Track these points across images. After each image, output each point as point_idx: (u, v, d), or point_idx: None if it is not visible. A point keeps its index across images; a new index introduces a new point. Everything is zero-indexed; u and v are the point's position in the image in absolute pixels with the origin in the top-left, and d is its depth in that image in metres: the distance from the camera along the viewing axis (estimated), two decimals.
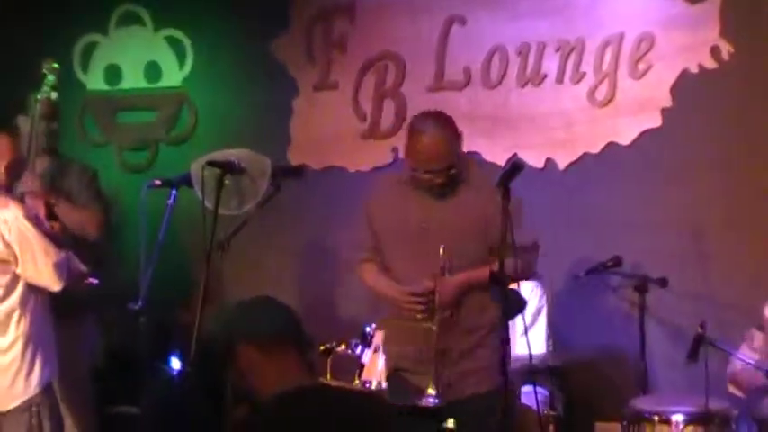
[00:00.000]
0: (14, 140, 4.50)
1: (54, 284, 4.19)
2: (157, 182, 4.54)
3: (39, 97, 4.75)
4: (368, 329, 4.80)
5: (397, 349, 4.20)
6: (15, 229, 4.14)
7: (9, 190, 4.37)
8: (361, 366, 4.72)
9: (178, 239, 5.18)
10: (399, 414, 3.71)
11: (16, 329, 4.15)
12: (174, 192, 4.41)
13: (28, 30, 6.18)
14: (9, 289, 4.17)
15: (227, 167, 4.28)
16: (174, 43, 6.24)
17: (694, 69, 5.27)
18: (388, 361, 4.29)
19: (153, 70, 6.28)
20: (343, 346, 4.76)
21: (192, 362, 4.16)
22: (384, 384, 4.59)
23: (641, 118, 5.36)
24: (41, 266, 4.15)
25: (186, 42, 6.22)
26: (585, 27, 5.47)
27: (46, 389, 4.19)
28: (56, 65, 4.81)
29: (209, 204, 4.27)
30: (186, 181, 4.44)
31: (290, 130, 6.01)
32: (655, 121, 5.35)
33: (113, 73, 6.34)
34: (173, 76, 6.26)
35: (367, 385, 4.63)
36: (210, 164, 4.29)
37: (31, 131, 4.65)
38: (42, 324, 4.25)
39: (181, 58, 6.23)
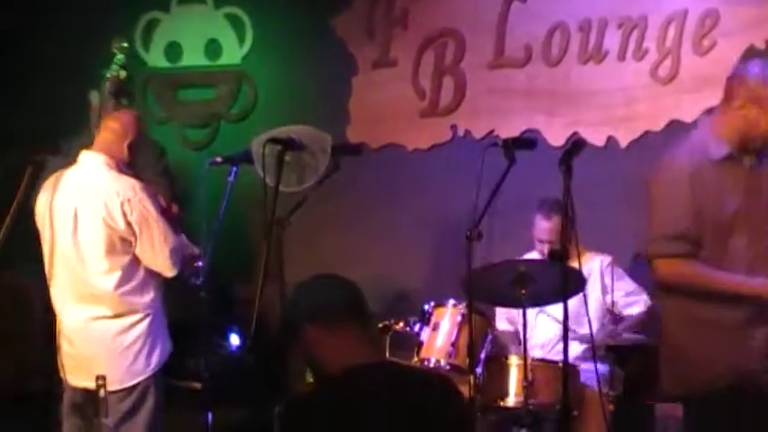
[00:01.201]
0: (138, 118, 4.51)
1: (168, 270, 4.26)
2: (218, 159, 4.57)
3: (107, 75, 4.81)
4: (426, 307, 4.80)
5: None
6: (137, 211, 4.19)
7: (132, 167, 4.37)
8: (420, 344, 4.73)
9: (238, 216, 5.21)
10: None
11: (137, 310, 4.23)
12: (234, 168, 4.44)
13: (92, 6, 6.24)
14: (131, 270, 4.24)
15: (287, 144, 4.29)
16: (234, 20, 6.26)
17: (760, 45, 5.18)
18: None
19: (213, 47, 6.31)
20: (401, 324, 4.77)
21: (253, 337, 4.18)
22: (443, 363, 4.61)
23: (705, 95, 5.26)
24: (158, 251, 4.21)
25: (246, 20, 6.24)
26: (648, 3, 5.40)
27: (160, 370, 4.32)
28: (125, 44, 4.87)
29: (269, 181, 4.29)
30: (247, 158, 4.47)
31: (348, 107, 6.01)
32: (718, 98, 5.24)
33: (174, 50, 6.38)
34: (232, 53, 6.28)
35: (426, 363, 4.64)
36: (272, 141, 4.31)
37: (100, 108, 4.71)
38: (160, 304, 4.31)
39: (240, 36, 6.26)
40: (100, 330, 4.22)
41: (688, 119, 5.32)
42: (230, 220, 4.61)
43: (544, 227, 4.92)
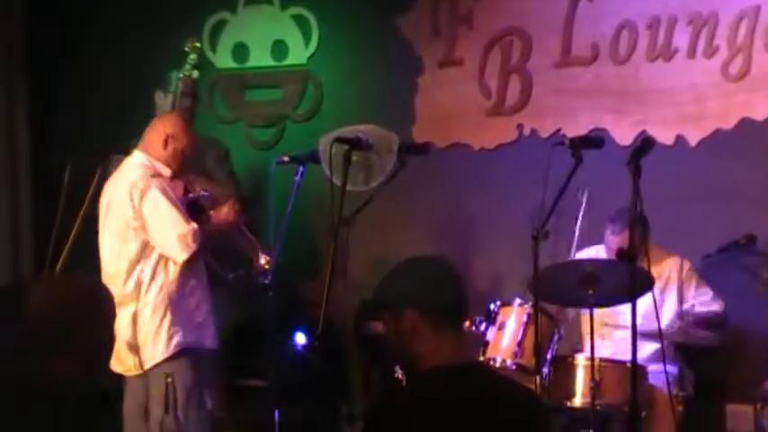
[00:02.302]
0: (186, 122, 4.64)
1: (177, 255, 4.33)
2: (285, 158, 4.60)
3: (180, 75, 4.87)
4: (492, 307, 4.78)
5: None
6: (148, 200, 4.30)
7: (171, 166, 4.50)
8: (486, 344, 4.71)
9: (305, 215, 5.24)
10: None
11: (146, 295, 4.32)
12: (301, 168, 4.46)
13: (160, 8, 6.31)
14: (142, 257, 4.34)
15: (354, 143, 4.30)
16: (300, 21, 6.29)
17: None
18: None
19: (279, 48, 6.35)
20: (467, 323, 4.75)
21: (319, 336, 4.20)
22: (509, 363, 4.59)
23: None
24: (166, 236, 4.29)
25: (312, 20, 6.26)
26: (718, 0, 5.32)
27: (184, 354, 4.34)
28: (198, 44, 4.92)
29: (336, 180, 4.30)
30: (314, 157, 4.48)
31: (414, 106, 6.01)
32: None
33: (241, 51, 6.43)
34: (298, 53, 6.31)
35: (492, 363, 4.62)
36: (338, 140, 4.32)
37: (173, 108, 4.77)
38: (177, 292, 4.37)
39: (306, 36, 6.28)
40: (121, 316, 4.29)
41: (760, 117, 5.25)
42: (297, 220, 4.64)
43: (614, 240, 4.84)
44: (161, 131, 4.49)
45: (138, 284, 4.34)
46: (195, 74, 4.89)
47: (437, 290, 2.71)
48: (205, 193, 4.72)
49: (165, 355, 4.33)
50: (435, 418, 2.60)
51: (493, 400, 2.66)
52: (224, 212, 4.64)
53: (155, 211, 4.31)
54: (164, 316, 4.34)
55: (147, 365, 4.32)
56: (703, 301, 4.95)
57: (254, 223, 5.64)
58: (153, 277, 4.35)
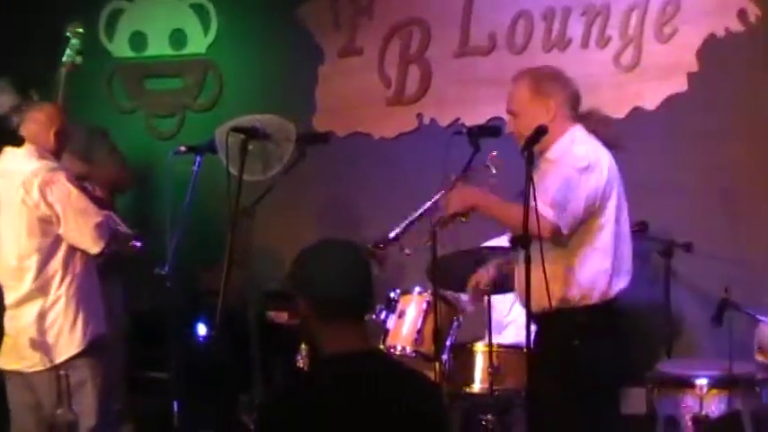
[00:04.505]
0: (62, 108, 4.53)
1: (94, 246, 4.26)
2: (183, 148, 4.57)
3: (63, 61, 4.78)
4: (392, 295, 4.83)
5: None
6: (58, 191, 4.20)
7: (58, 156, 4.40)
8: (386, 332, 4.75)
9: (205, 205, 5.21)
10: None
11: (57, 290, 4.23)
12: (198, 158, 4.43)
13: None
14: (51, 251, 4.24)
15: (251, 133, 4.29)
16: (198, 10, 6.25)
17: (721, 33, 5.23)
18: None
19: (178, 37, 6.30)
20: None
21: (219, 327, 4.19)
22: (409, 350, 4.63)
23: (667, 82, 5.33)
24: (82, 227, 4.22)
25: (211, 9, 6.23)
26: None
27: (91, 348, 4.28)
28: (80, 29, 4.83)
29: (233, 170, 4.29)
30: (211, 147, 4.46)
31: (315, 96, 6.02)
32: (681, 86, 5.32)
33: (139, 40, 6.36)
34: (198, 42, 6.27)
35: (392, 350, 4.66)
36: (235, 130, 4.31)
37: (57, 95, 4.68)
38: (86, 284, 4.32)
39: (205, 25, 6.24)
40: (24, 313, 4.24)
41: (650, 106, 5.37)
42: (197, 210, 4.61)
43: None
44: (43, 121, 4.37)
45: (48, 279, 4.24)
46: (78, 59, 4.79)
47: (333, 282, 2.69)
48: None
49: (81, 347, 4.26)
50: (330, 405, 2.61)
51: (390, 388, 2.68)
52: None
53: (68, 202, 4.22)
54: (77, 309, 4.26)
55: (60, 359, 4.23)
56: None
57: (152, 213, 5.62)
58: (64, 271, 4.27)
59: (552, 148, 3.84)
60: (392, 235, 4.12)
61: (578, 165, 3.76)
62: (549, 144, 3.84)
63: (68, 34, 4.81)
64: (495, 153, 3.98)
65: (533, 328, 3.77)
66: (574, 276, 3.78)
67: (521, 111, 3.89)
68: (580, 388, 3.73)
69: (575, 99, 3.93)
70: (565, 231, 3.72)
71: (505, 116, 5.46)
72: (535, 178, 3.57)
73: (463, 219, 3.97)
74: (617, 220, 3.83)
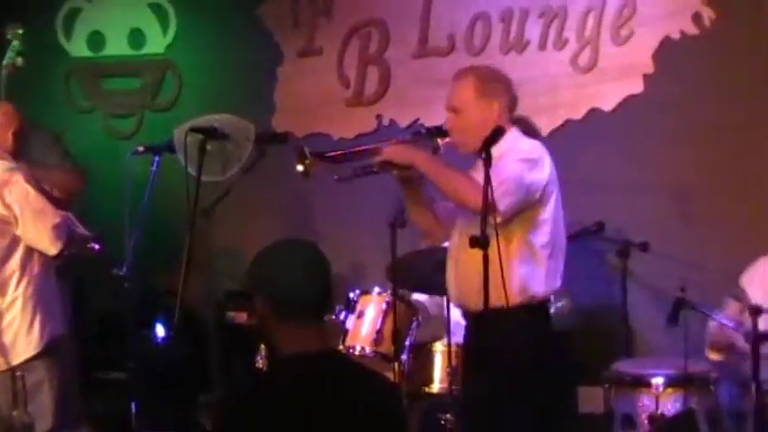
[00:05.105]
0: (19, 109, 4.49)
1: (51, 247, 4.22)
2: (141, 148, 4.54)
3: (4, 63, 4.75)
4: (352, 296, 4.84)
5: None
6: (16, 191, 4.17)
7: (16, 157, 4.37)
8: (345, 332, 4.76)
9: (164, 206, 5.17)
10: None
11: (15, 291, 4.20)
12: (157, 158, 4.41)
13: None
14: (9, 251, 4.21)
15: (209, 133, 4.28)
16: (157, 9, 6.22)
17: (676, 35, 5.29)
18: None
19: (136, 37, 6.27)
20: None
21: (177, 328, 4.18)
22: (368, 351, 4.64)
23: (623, 84, 5.38)
24: (40, 228, 4.19)
25: (169, 9, 6.20)
26: None
27: (48, 351, 4.25)
28: (21, 30, 4.80)
29: (191, 170, 4.28)
30: (170, 147, 4.45)
31: (274, 96, 6.01)
32: (637, 87, 5.37)
33: (97, 40, 6.32)
34: (156, 42, 6.25)
35: (351, 351, 4.67)
36: (193, 130, 4.29)
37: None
38: (44, 286, 4.28)
39: (164, 25, 6.22)
40: None
41: (607, 107, 5.42)
42: (156, 211, 4.59)
43: None
44: (1, 122, 4.35)
45: (5, 280, 4.20)
46: (19, 61, 4.77)
47: (290, 282, 2.67)
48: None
49: (38, 349, 4.23)
50: (288, 406, 2.60)
51: (348, 389, 2.67)
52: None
53: (26, 202, 4.19)
54: (34, 310, 4.23)
55: (17, 360, 4.19)
56: None
57: (110, 214, 5.57)
58: (21, 272, 4.23)
59: (495, 147, 3.84)
60: (329, 154, 4.03)
61: (525, 156, 3.76)
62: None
63: (9, 36, 4.78)
64: (448, 139, 3.94)
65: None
66: (515, 275, 3.73)
67: (464, 109, 3.85)
68: (524, 386, 3.74)
69: (514, 102, 3.93)
70: (501, 209, 3.62)
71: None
72: (476, 174, 3.58)
73: (396, 173, 3.85)
74: (555, 221, 3.81)
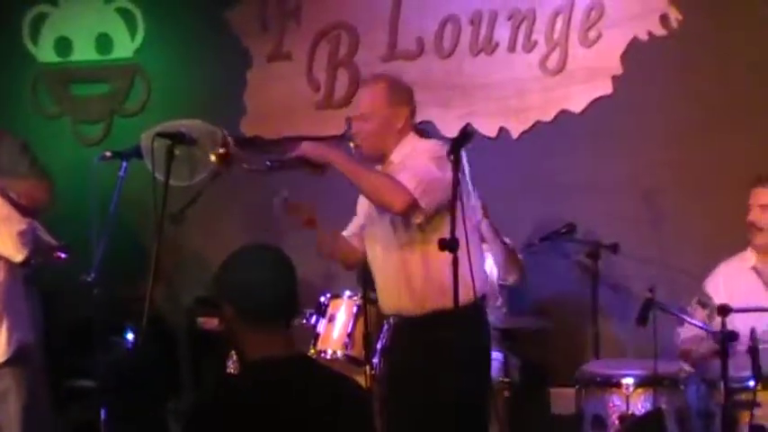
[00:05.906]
0: None
1: (17, 254, 4.20)
2: (108, 154, 4.49)
3: None
4: (323, 299, 4.83)
5: None
6: None
7: None
8: (316, 336, 4.75)
9: (132, 212, 5.15)
10: None
11: None
12: (124, 164, 4.38)
13: None
14: None
15: (176, 138, 4.24)
16: (124, 14, 6.19)
17: (644, 37, 5.31)
18: None
19: (104, 42, 6.23)
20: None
21: (145, 335, 4.15)
22: (339, 354, 4.63)
23: (592, 86, 5.40)
24: (5, 234, 4.16)
25: (137, 13, 6.18)
26: None
27: (16, 358, 4.21)
28: None
29: (159, 176, 4.24)
30: (137, 153, 4.40)
31: (243, 100, 5.99)
32: (606, 89, 5.39)
33: (64, 45, 6.28)
34: (124, 47, 6.22)
35: (322, 355, 4.66)
36: (160, 135, 4.26)
37: None
38: (11, 293, 4.25)
39: (132, 30, 6.19)
40: None
41: (576, 109, 5.44)
42: (124, 217, 4.56)
43: None
44: None
45: None
46: None
47: (257, 288, 2.67)
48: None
49: (6, 356, 4.20)
50: (256, 412, 2.59)
51: (317, 393, 2.66)
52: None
53: None
54: (1, 317, 4.21)
55: None
56: None
57: (78, 220, 5.53)
58: None
59: (395, 152, 3.84)
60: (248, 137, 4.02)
61: (433, 155, 3.74)
62: (390, 149, 3.84)
63: None
64: (351, 145, 3.94)
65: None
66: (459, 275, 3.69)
67: (374, 114, 3.83)
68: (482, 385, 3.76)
69: (415, 110, 3.94)
70: (422, 206, 3.62)
71: (434, 119, 5.56)
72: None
73: (311, 171, 3.86)
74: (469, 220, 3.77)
